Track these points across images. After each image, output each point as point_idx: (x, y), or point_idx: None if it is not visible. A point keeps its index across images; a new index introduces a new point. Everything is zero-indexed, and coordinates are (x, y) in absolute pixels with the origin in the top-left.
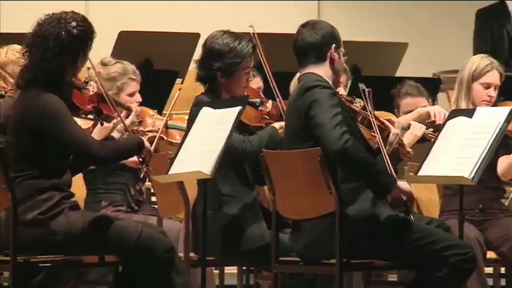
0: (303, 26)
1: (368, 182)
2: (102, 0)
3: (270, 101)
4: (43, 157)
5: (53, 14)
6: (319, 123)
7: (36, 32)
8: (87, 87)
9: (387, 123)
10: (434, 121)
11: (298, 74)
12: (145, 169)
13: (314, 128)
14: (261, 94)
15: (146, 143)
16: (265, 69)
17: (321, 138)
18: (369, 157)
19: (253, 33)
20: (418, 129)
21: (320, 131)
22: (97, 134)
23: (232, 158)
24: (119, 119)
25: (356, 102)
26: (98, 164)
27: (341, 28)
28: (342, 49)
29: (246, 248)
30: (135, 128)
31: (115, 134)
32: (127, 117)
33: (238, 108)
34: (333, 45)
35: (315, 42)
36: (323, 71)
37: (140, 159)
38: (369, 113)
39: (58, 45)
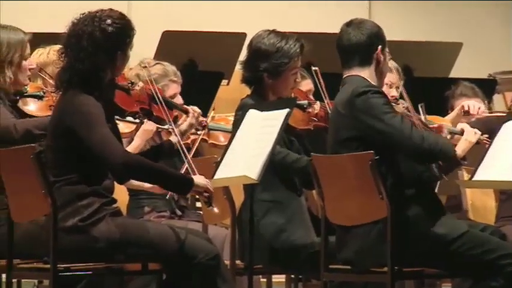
0: (348, 25)
1: None
2: (145, 0)
3: (318, 103)
4: (82, 161)
5: (89, 12)
6: (389, 131)
7: (71, 32)
8: (134, 88)
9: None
10: (468, 111)
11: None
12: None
13: (383, 135)
14: (310, 96)
15: (202, 181)
16: None
17: (399, 144)
18: None
19: (315, 71)
20: (472, 136)
21: (395, 138)
22: (140, 136)
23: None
24: (172, 121)
25: (399, 103)
26: (115, 177)
27: (392, 28)
28: (387, 50)
29: (294, 256)
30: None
31: (173, 139)
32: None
33: (286, 110)
34: (379, 46)
35: (360, 43)
36: (368, 73)
37: (205, 200)
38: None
39: (92, 44)
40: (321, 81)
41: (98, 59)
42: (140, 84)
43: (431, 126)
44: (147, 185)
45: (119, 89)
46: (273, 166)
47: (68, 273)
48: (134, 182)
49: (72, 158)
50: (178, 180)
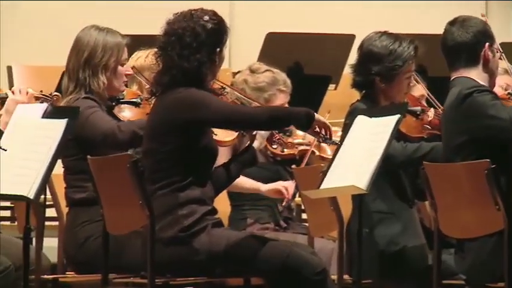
0: (452, 24)
1: None
2: (248, 0)
3: (431, 110)
4: (185, 163)
5: (181, 12)
6: (501, 126)
7: (169, 31)
8: (224, 93)
9: None
10: None
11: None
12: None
13: (497, 132)
14: (423, 102)
15: (317, 115)
16: None
17: None
18: None
19: None
20: None
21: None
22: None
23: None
24: None
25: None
26: (261, 128)
27: (510, 28)
28: (497, 46)
29: (405, 270)
30: (284, 138)
31: (255, 144)
32: None
33: (397, 116)
34: (487, 43)
35: (466, 42)
36: (476, 73)
37: (321, 138)
38: None
39: (195, 40)
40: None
41: (202, 56)
42: (229, 90)
43: None
44: (247, 186)
45: (212, 93)
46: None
47: None
48: (242, 184)
49: (174, 163)
50: (297, 111)
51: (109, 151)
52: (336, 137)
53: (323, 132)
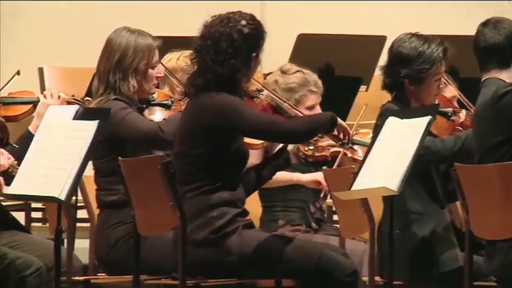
0: (484, 25)
1: None
2: (279, 0)
3: (463, 111)
4: (216, 166)
5: (219, 15)
6: None
7: (205, 35)
8: (259, 95)
9: None
10: None
11: None
12: (345, 149)
13: None
14: (454, 103)
15: (339, 120)
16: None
17: None
18: None
19: None
20: None
21: None
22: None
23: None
24: None
25: None
26: (295, 141)
27: None
28: None
29: (437, 272)
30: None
31: (289, 146)
32: None
33: (428, 118)
34: None
35: (498, 43)
36: (507, 75)
37: (339, 141)
38: None
39: (231, 46)
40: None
41: (237, 61)
42: (265, 93)
43: None
44: (286, 178)
45: (246, 96)
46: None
47: None
48: (279, 178)
49: (205, 165)
50: (322, 118)
51: (150, 151)
52: (367, 139)
53: (341, 135)
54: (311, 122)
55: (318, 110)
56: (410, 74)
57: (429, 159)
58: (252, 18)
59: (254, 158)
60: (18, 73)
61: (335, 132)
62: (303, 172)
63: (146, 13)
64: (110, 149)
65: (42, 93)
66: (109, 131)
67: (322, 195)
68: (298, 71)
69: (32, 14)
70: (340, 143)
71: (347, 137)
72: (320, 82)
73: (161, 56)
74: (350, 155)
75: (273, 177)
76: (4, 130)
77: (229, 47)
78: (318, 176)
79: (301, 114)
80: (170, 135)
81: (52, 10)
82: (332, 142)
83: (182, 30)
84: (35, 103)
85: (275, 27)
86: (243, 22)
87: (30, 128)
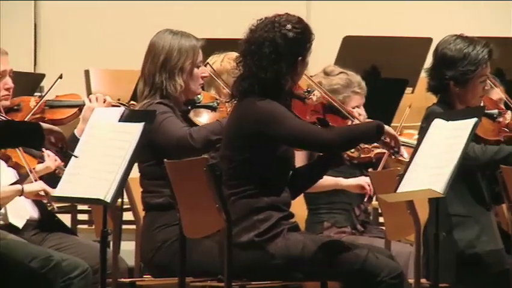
0: None
1: None
2: (326, 0)
3: (509, 112)
4: (260, 171)
5: (265, 18)
6: None
7: (250, 39)
8: (310, 96)
9: None
10: None
11: None
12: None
13: None
14: (501, 105)
15: (386, 127)
16: None
17: None
18: None
19: None
20: None
21: None
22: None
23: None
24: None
25: None
26: (333, 150)
27: None
28: None
29: (483, 274)
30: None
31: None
32: None
33: (474, 119)
34: None
35: None
36: None
37: (391, 149)
38: None
39: (274, 51)
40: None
41: (281, 67)
42: (316, 93)
43: None
44: (330, 183)
45: (295, 98)
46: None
47: None
48: (321, 182)
49: (250, 169)
50: (367, 128)
51: (181, 157)
52: (412, 140)
53: (392, 143)
54: (352, 131)
55: (362, 111)
56: (455, 76)
57: (468, 164)
58: (298, 22)
59: (300, 159)
60: (60, 77)
61: (387, 139)
62: (348, 174)
63: (189, 15)
64: (151, 154)
65: (88, 96)
66: (149, 136)
67: (366, 199)
68: (341, 72)
69: (79, 16)
70: (392, 151)
71: (397, 145)
72: (363, 83)
73: (205, 58)
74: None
75: (317, 182)
76: (63, 140)
77: (272, 53)
78: (361, 180)
79: (352, 113)
80: (200, 142)
81: (98, 13)
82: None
83: (227, 32)
84: (80, 107)
85: (320, 28)
86: (288, 26)
87: (76, 132)
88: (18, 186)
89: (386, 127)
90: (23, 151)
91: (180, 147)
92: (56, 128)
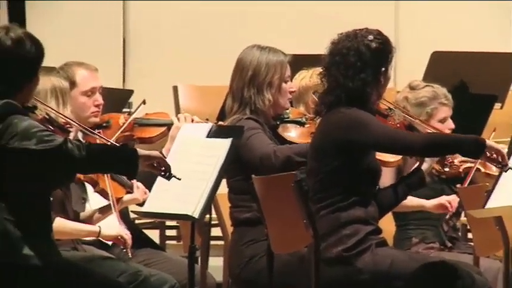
0: None
1: None
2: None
3: None
4: (348, 182)
5: (346, 32)
6: None
7: (333, 51)
8: (391, 114)
9: None
10: None
11: None
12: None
13: None
14: None
15: (489, 141)
16: None
17: None
18: None
19: None
20: None
21: None
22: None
23: None
24: None
25: None
26: (421, 155)
27: None
28: None
29: None
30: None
31: (424, 167)
32: None
33: None
34: None
35: None
36: None
37: (498, 165)
38: None
39: (360, 60)
40: None
41: (367, 75)
42: (397, 112)
43: None
44: (413, 204)
45: (378, 114)
46: None
47: None
48: (405, 203)
49: (338, 182)
50: (462, 139)
51: (266, 174)
52: None
53: (500, 158)
54: (441, 137)
55: (450, 122)
56: None
57: None
58: (379, 34)
59: (387, 178)
60: (144, 102)
61: (493, 155)
62: (436, 190)
63: (276, 32)
64: (239, 169)
65: (176, 115)
66: (237, 151)
67: (447, 217)
68: (426, 85)
69: (168, 32)
70: (499, 166)
71: (504, 160)
72: (449, 95)
73: (292, 74)
74: (483, 170)
75: (402, 202)
76: (165, 163)
77: (357, 61)
78: (442, 200)
79: (433, 130)
80: (281, 161)
81: (186, 28)
82: (464, 158)
83: (311, 48)
84: (169, 126)
85: (409, 45)
86: (370, 37)
87: (164, 151)
88: (95, 229)
89: (488, 141)
90: (111, 178)
91: (263, 163)
92: (154, 153)
